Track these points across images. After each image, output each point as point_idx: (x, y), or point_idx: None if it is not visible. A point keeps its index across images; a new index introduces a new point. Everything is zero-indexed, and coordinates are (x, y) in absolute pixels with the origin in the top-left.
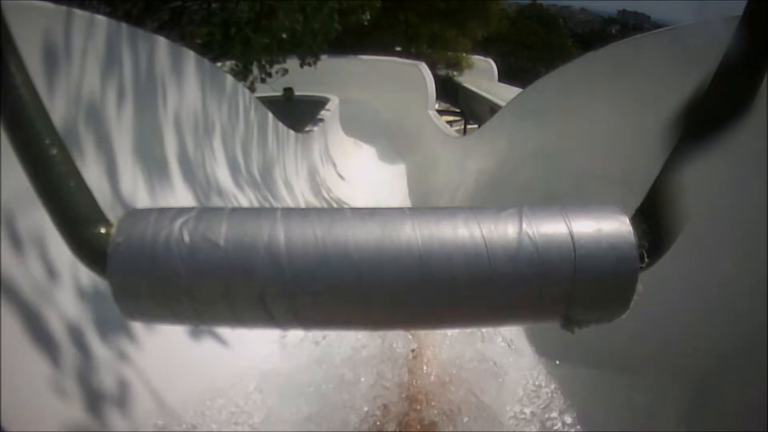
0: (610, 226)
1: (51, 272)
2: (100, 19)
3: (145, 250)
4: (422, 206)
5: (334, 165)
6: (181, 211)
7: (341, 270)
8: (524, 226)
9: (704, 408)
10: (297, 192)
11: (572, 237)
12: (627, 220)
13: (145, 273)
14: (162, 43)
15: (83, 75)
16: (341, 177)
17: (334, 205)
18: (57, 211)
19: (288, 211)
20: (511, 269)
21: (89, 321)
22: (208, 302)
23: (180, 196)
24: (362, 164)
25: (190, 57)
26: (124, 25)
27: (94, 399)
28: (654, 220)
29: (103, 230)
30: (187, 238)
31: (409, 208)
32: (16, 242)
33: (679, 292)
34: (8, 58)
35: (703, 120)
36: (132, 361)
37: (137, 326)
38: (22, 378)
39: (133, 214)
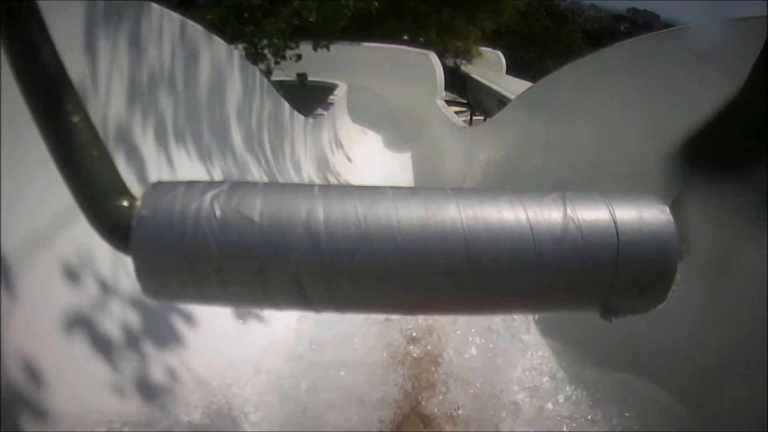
0: (651, 214)
1: (102, 284)
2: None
3: (172, 224)
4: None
5: (343, 151)
6: (211, 184)
7: (384, 250)
8: (569, 211)
9: (704, 408)
10: (305, 175)
11: (615, 224)
12: (667, 209)
13: (172, 249)
14: (192, 26)
15: (114, 54)
16: (349, 161)
17: None
18: (77, 181)
19: (327, 188)
20: (556, 254)
21: (140, 324)
22: (240, 281)
23: (196, 173)
24: (368, 151)
25: (220, 43)
26: (154, 5)
27: (147, 391)
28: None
29: (126, 203)
30: (218, 213)
31: (452, 189)
32: (65, 260)
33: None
34: (30, 23)
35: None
36: (176, 353)
37: (179, 321)
38: (85, 382)
39: (160, 186)
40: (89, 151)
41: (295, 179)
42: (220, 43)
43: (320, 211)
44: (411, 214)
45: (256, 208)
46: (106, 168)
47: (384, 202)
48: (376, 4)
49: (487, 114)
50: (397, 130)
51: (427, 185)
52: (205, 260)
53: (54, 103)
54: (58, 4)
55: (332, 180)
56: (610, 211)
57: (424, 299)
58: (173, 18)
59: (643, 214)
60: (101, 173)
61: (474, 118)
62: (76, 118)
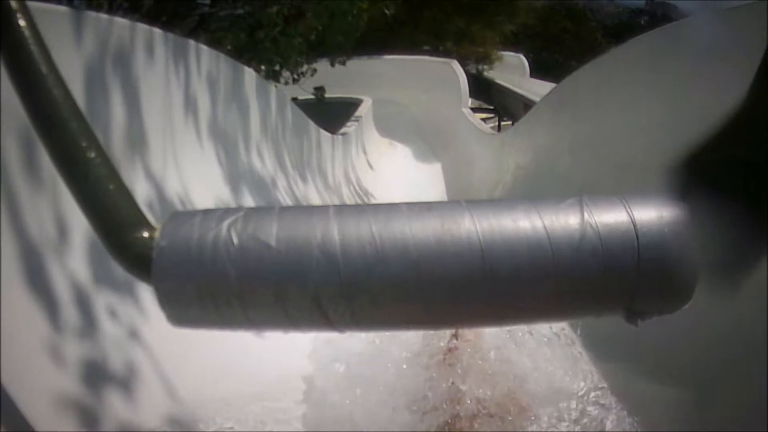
0: (671, 214)
1: (62, 222)
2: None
3: (191, 253)
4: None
5: (371, 165)
6: (227, 211)
7: (400, 267)
8: (586, 215)
9: (706, 408)
10: (334, 193)
11: (635, 225)
12: (688, 208)
13: (192, 277)
14: (222, 58)
15: (134, 81)
16: (378, 177)
17: (374, 203)
18: (96, 216)
19: (341, 208)
20: (575, 260)
21: (98, 288)
22: (261, 306)
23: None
24: (398, 164)
25: (246, 71)
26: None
27: (93, 374)
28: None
29: (146, 234)
30: (236, 240)
31: (466, 201)
32: (35, 178)
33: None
34: (39, 61)
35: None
36: (141, 340)
37: (149, 303)
38: (18, 330)
39: (177, 217)
40: (106, 185)
41: (327, 198)
42: (245, 69)
43: (335, 232)
44: (426, 229)
45: (273, 233)
46: (124, 201)
47: (398, 219)
48: (391, 13)
49: (515, 118)
50: (425, 141)
51: (458, 196)
52: (225, 287)
53: (69, 140)
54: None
55: (363, 197)
56: (628, 213)
57: (443, 314)
58: (201, 49)
59: (663, 215)
60: (119, 206)
61: (502, 123)
62: (91, 154)
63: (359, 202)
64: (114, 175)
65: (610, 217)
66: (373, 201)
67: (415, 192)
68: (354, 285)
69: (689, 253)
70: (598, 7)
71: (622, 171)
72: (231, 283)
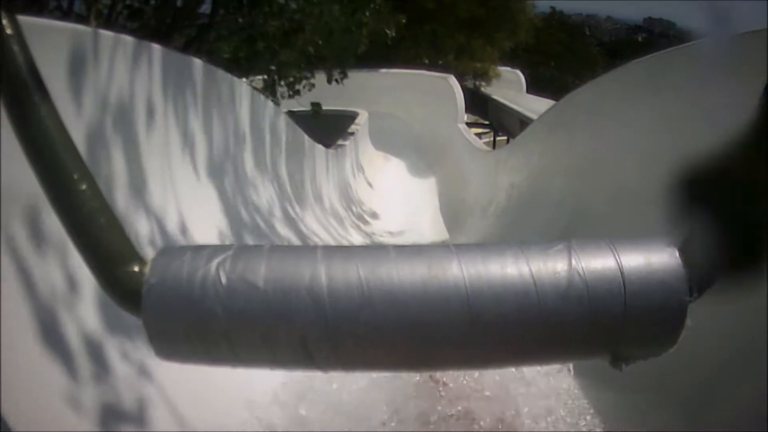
0: (659, 260)
1: (71, 278)
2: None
3: (181, 290)
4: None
5: (366, 179)
6: (216, 249)
7: (386, 312)
8: (573, 262)
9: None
10: (327, 207)
11: (622, 273)
12: (676, 253)
13: (181, 315)
14: (220, 74)
15: (115, 94)
16: (372, 191)
17: (366, 218)
18: (87, 249)
19: (329, 250)
20: (561, 308)
21: (108, 333)
22: (247, 345)
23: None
24: (392, 178)
25: (243, 86)
26: (158, 47)
27: (108, 414)
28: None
29: (136, 268)
30: (224, 280)
31: (455, 245)
32: (39, 242)
33: None
34: (32, 90)
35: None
36: (151, 377)
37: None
38: (36, 384)
39: (167, 252)
40: (98, 218)
41: (319, 213)
42: (242, 84)
43: (323, 275)
44: (413, 274)
45: (261, 274)
46: (115, 234)
47: (386, 264)
48: (393, 33)
49: (510, 135)
50: (420, 156)
51: (453, 214)
52: (213, 326)
53: (61, 173)
54: (48, 45)
55: (356, 211)
56: (616, 260)
57: (429, 357)
58: (199, 66)
59: (651, 261)
60: (110, 240)
61: (497, 138)
62: (83, 186)
63: (352, 215)
64: (105, 208)
65: (598, 263)
66: (365, 213)
67: (409, 206)
68: (340, 328)
69: (676, 300)
70: (596, 24)
71: (617, 193)
72: (219, 322)
